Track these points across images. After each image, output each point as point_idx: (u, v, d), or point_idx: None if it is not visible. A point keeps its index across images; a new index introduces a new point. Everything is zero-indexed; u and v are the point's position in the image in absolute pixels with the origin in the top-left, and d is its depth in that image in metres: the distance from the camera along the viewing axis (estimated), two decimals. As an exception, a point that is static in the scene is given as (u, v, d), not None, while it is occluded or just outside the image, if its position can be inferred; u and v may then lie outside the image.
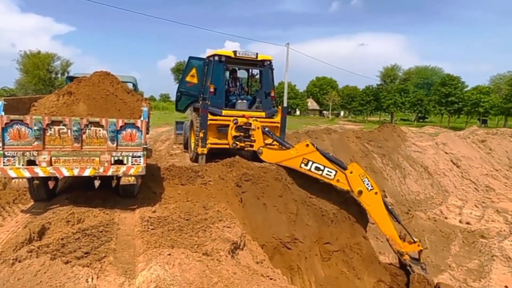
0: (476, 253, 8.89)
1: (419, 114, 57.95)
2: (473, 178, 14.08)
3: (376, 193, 6.35)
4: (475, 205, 12.09)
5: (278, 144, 7.35)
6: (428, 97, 53.51)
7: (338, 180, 6.45)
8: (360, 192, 6.34)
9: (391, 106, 54.91)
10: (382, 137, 15.21)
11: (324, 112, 73.45)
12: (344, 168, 6.48)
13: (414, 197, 12.55)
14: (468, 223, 10.52)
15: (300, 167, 6.67)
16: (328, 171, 6.47)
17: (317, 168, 6.53)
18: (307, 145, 6.72)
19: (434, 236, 9.72)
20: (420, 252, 6.58)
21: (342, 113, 75.14)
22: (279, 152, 7.25)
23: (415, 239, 6.60)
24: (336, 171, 6.45)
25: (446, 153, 15.28)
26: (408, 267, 6.27)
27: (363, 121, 60.32)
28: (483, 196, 13.08)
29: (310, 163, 6.57)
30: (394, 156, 14.24)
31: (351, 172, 6.36)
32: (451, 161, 14.82)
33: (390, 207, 6.63)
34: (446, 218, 11.01)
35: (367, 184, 6.33)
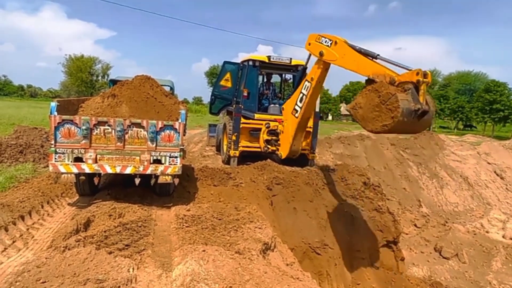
0: (520, 271, 8.33)
1: (463, 122, 54.43)
2: (519, 191, 13.19)
3: (336, 42, 5.42)
4: (521, 220, 11.29)
5: None
6: (470, 104, 50.69)
7: (312, 78, 6.27)
8: (321, 54, 5.73)
9: (429, 112, 52.53)
10: (419, 145, 14.68)
11: (358, 117, 71.56)
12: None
13: (452, 209, 11.98)
14: (512, 238, 9.87)
15: (296, 111, 6.80)
16: (305, 86, 6.45)
17: (302, 99, 6.58)
18: (283, 108, 7.31)
19: (473, 250, 9.22)
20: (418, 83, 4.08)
21: (376, 119, 72.84)
22: (283, 135, 7.47)
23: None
24: (306, 79, 6.45)
25: (488, 163, 14.45)
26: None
27: (399, 127, 58.10)
28: (530, 211, 12.19)
29: (297, 107, 6.76)
30: (431, 164, 13.68)
31: (309, 44, 6.05)
32: (495, 172, 13.99)
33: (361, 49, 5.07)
34: (487, 232, 10.40)
35: (325, 41, 5.61)
